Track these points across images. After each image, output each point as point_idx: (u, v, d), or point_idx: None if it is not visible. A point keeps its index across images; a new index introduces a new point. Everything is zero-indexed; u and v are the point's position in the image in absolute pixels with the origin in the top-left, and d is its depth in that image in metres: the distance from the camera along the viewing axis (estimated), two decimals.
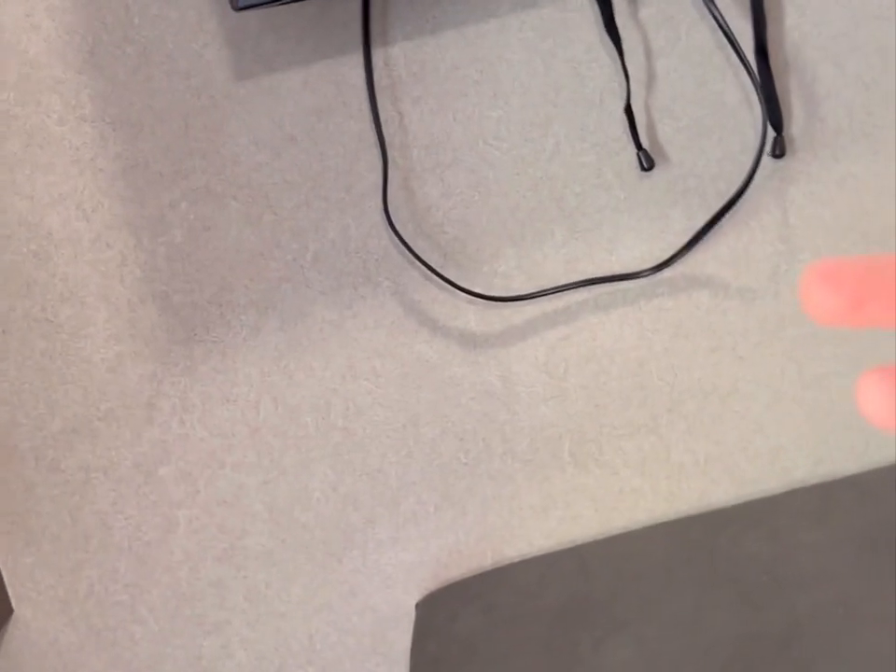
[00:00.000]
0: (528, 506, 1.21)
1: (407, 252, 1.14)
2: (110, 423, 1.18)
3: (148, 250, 1.14)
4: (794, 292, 1.17)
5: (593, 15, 1.10)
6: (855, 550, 1.04)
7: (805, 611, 0.99)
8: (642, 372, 1.19)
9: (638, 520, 1.22)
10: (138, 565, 1.21)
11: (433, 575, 1.23)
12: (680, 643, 1.00)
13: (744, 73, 1.11)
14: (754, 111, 1.13)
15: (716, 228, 1.14)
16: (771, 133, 1.12)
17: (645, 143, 1.13)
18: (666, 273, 1.16)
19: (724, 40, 1.11)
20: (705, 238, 1.14)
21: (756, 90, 1.09)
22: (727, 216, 1.15)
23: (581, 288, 1.16)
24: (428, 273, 1.15)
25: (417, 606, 1.21)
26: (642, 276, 1.15)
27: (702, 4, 1.09)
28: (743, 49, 1.08)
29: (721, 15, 1.06)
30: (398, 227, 1.14)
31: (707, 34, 1.11)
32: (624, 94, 1.12)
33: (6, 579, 1.21)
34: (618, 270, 1.16)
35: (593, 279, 1.15)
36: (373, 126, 1.12)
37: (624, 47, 1.11)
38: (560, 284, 1.15)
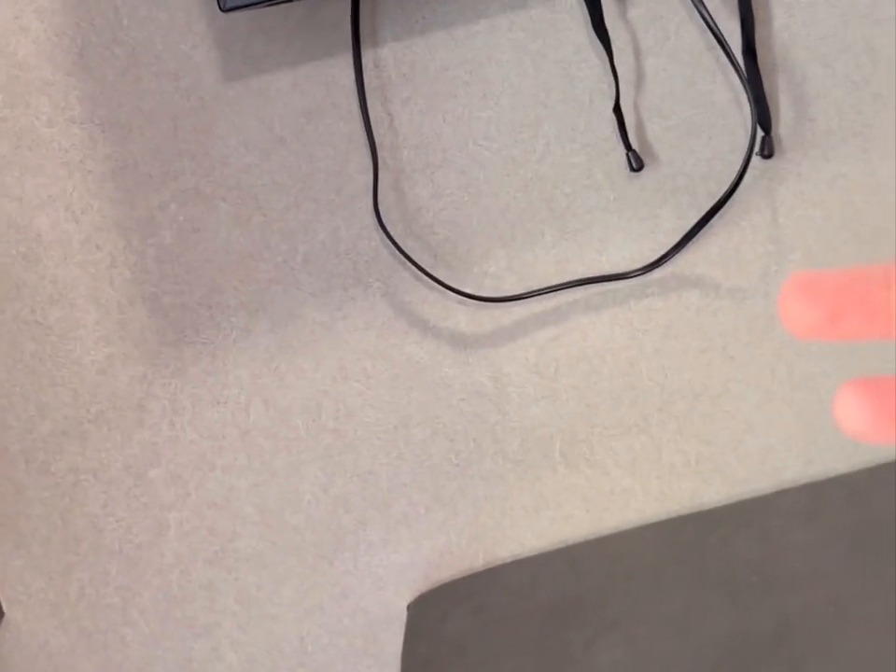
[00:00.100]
0: (520, 506, 1.21)
1: (397, 253, 1.14)
2: (100, 425, 1.18)
3: (138, 252, 1.14)
4: None
5: (582, 16, 1.10)
6: (845, 549, 1.05)
7: (795, 611, 0.99)
8: (633, 373, 1.19)
9: (630, 520, 1.22)
10: (129, 567, 1.21)
11: (424, 576, 1.22)
12: (671, 643, 1.00)
13: (733, 73, 1.11)
14: (743, 111, 1.13)
15: (706, 228, 1.15)
16: (760, 133, 1.12)
17: (634, 143, 1.13)
18: (657, 273, 1.16)
19: (713, 40, 1.11)
20: (695, 238, 1.14)
21: (745, 90, 1.09)
22: (717, 216, 1.15)
23: (572, 289, 1.16)
24: (419, 273, 1.15)
25: (409, 607, 1.21)
26: (632, 277, 1.15)
27: (690, 4, 1.09)
28: (732, 48, 1.08)
29: (710, 15, 1.06)
30: (388, 228, 1.14)
31: (695, 34, 1.11)
32: (614, 95, 1.12)
33: None
34: (608, 270, 1.16)
35: (583, 280, 1.15)
36: (363, 127, 1.12)
37: (614, 47, 1.11)
38: (550, 284, 1.15)
